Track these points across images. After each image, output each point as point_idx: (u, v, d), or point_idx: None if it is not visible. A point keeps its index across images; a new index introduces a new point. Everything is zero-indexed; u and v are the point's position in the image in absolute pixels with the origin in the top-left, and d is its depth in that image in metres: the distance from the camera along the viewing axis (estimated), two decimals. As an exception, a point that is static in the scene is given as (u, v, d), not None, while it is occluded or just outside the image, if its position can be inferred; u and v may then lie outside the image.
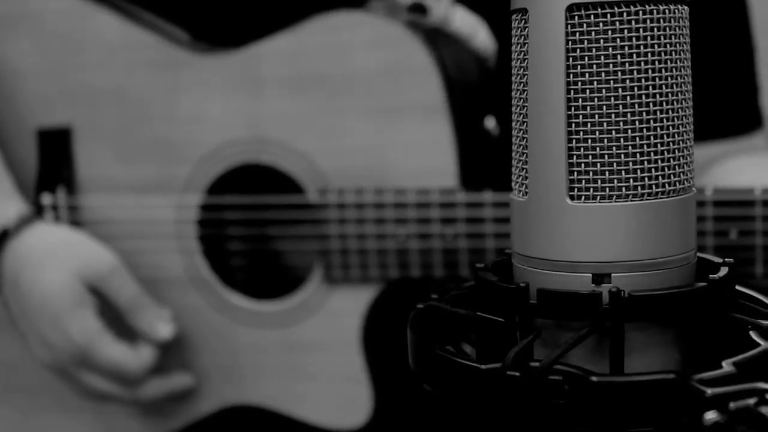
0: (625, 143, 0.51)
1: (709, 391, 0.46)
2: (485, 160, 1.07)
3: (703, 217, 0.94)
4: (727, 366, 0.49)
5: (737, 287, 0.57)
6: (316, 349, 1.11)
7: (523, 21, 0.52)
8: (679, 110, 0.52)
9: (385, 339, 1.10)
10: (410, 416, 1.15)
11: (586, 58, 0.50)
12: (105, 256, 1.09)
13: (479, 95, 1.07)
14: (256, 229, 1.13)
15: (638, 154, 0.51)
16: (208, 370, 1.15)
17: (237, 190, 1.12)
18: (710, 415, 0.45)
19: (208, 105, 1.12)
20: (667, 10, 0.51)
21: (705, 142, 1.15)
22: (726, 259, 0.56)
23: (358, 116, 1.07)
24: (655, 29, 0.50)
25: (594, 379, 0.48)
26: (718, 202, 0.94)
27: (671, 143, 0.51)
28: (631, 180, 0.51)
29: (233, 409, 1.15)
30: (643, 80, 0.50)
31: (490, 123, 1.08)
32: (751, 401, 0.45)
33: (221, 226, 1.13)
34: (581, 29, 0.50)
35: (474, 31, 1.08)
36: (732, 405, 0.45)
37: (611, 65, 0.50)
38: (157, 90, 1.13)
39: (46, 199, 1.14)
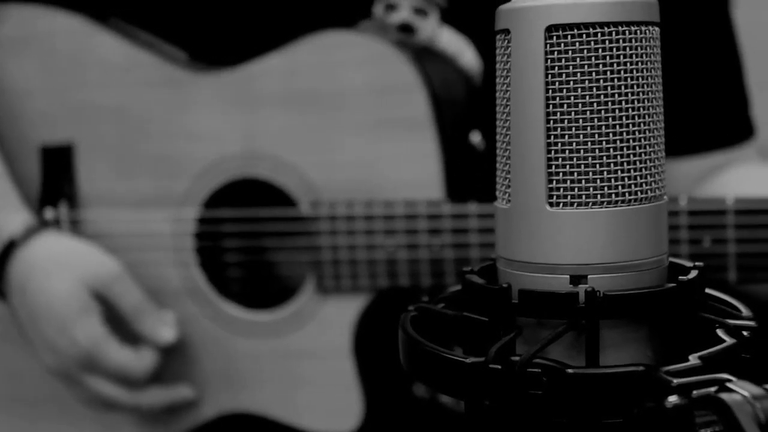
0: (600, 154, 0.54)
1: (675, 381, 0.50)
2: (470, 173, 1.11)
3: (677, 226, 0.98)
4: (693, 359, 0.52)
5: (708, 290, 0.61)
6: (308, 356, 1.15)
7: (506, 40, 0.56)
8: (651, 123, 0.56)
9: (376, 346, 1.14)
10: (399, 421, 1.19)
11: (564, 75, 0.54)
12: (109, 263, 1.13)
13: (465, 111, 1.11)
14: (251, 241, 1.16)
15: (612, 164, 0.55)
16: (204, 378, 1.18)
17: (232, 204, 1.15)
18: (672, 399, 0.49)
19: (205, 121, 1.15)
20: (638, 31, 0.54)
21: (699, 154, 1.19)
22: (696, 263, 0.60)
23: (348, 131, 1.11)
24: (628, 48, 0.54)
25: (569, 371, 0.52)
26: (692, 211, 0.98)
27: (643, 154, 0.55)
28: (606, 188, 0.55)
29: (230, 416, 1.18)
30: (616, 95, 0.54)
31: (476, 138, 1.12)
32: (713, 389, 0.49)
33: (217, 239, 1.17)
34: (559, 48, 0.54)
35: (460, 50, 1.12)
36: (695, 392, 0.49)
37: (587, 81, 0.54)
38: (156, 107, 1.17)
39: (49, 213, 1.18)
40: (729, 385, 0.49)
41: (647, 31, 0.55)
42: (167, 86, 1.16)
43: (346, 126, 1.11)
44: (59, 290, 1.10)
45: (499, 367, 0.53)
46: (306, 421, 1.15)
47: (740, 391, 0.49)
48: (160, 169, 1.17)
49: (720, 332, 0.56)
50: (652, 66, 0.55)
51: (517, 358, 0.53)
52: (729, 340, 0.55)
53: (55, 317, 1.10)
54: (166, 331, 1.14)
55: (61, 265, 1.12)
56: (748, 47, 1.24)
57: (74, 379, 1.13)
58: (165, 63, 1.16)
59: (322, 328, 1.14)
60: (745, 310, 0.59)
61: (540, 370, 0.52)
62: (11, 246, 1.12)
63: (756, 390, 0.49)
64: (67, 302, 1.10)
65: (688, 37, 1.17)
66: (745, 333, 0.56)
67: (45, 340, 1.12)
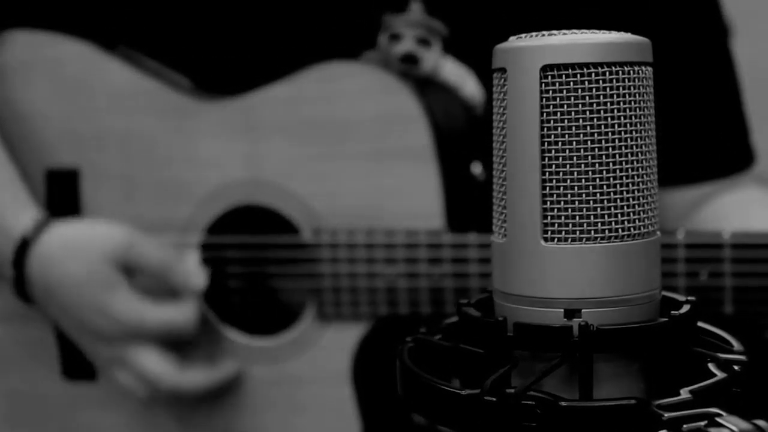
0: (594, 190, 0.56)
1: (666, 415, 0.51)
2: (471, 203, 1.12)
3: (674, 259, 0.99)
4: (684, 393, 0.53)
5: (701, 324, 0.62)
6: (308, 383, 1.16)
7: (502, 79, 0.58)
8: (644, 161, 0.57)
9: (375, 373, 1.15)
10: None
11: (559, 113, 0.55)
12: (119, 230, 1.14)
13: (467, 142, 1.12)
14: (253, 268, 1.17)
15: (606, 201, 0.56)
16: (203, 402, 1.19)
17: (235, 230, 1.17)
18: (662, 433, 0.50)
19: (209, 149, 1.17)
20: (631, 71, 0.56)
21: (697, 184, 1.20)
22: (689, 298, 0.61)
23: (350, 161, 1.12)
24: (621, 88, 0.55)
25: (563, 404, 0.53)
26: (689, 244, 0.99)
27: (636, 191, 0.56)
28: (600, 224, 0.56)
29: (228, 440, 1.19)
30: (610, 134, 0.55)
31: (477, 169, 1.13)
32: (702, 423, 0.50)
33: (220, 265, 1.18)
34: (554, 87, 0.55)
35: (462, 81, 1.13)
36: (685, 427, 0.50)
37: (581, 120, 0.55)
38: (161, 134, 1.18)
39: None
40: (718, 419, 0.50)
41: (640, 71, 0.56)
42: (172, 113, 1.17)
43: (349, 155, 1.12)
44: (81, 274, 1.11)
45: (494, 399, 0.54)
46: (305, 447, 1.16)
47: (729, 426, 0.50)
48: (164, 194, 1.18)
49: (711, 366, 0.57)
50: (645, 105, 0.56)
51: (512, 391, 0.54)
52: (720, 374, 0.56)
53: (87, 299, 1.11)
54: (196, 278, 1.14)
55: (76, 249, 1.13)
56: (748, 79, 1.26)
57: (121, 359, 1.13)
58: (171, 90, 1.18)
59: (322, 355, 1.14)
60: (736, 345, 0.60)
61: (534, 403, 0.53)
62: (24, 246, 1.13)
63: (744, 425, 0.50)
64: (92, 282, 1.11)
65: (689, 68, 1.18)
66: (736, 367, 0.57)
67: (85, 326, 1.13)
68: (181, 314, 1.13)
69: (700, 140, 1.20)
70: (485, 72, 1.16)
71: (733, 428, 0.49)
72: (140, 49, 1.21)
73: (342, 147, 1.12)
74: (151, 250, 1.14)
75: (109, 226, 1.15)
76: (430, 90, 1.11)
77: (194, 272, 1.15)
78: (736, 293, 0.99)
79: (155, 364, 1.13)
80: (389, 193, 1.11)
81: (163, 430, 1.20)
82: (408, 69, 1.11)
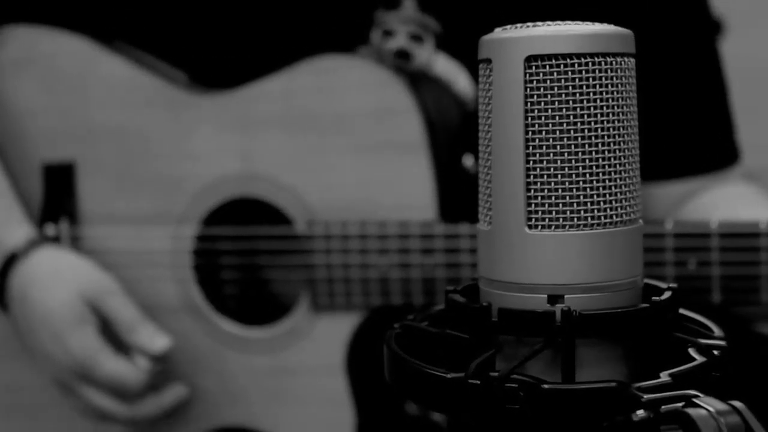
0: (577, 179, 0.57)
1: (645, 396, 0.52)
2: (463, 195, 1.13)
3: (663, 248, 1.00)
4: (664, 376, 0.55)
5: (682, 311, 0.63)
6: (302, 373, 1.17)
7: (488, 69, 0.59)
8: (626, 150, 0.58)
9: (368, 363, 1.16)
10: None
11: (543, 103, 0.56)
12: (106, 277, 1.16)
13: (458, 135, 1.14)
14: (247, 259, 1.18)
15: (589, 189, 0.57)
16: (199, 393, 1.20)
17: (230, 222, 1.18)
18: (640, 413, 0.51)
19: (205, 142, 1.18)
20: (614, 62, 0.57)
21: (683, 179, 1.21)
22: (670, 285, 0.62)
23: (344, 153, 1.13)
24: (604, 78, 0.56)
25: (545, 386, 0.54)
26: (677, 234, 1.01)
27: (618, 179, 0.58)
28: (583, 211, 0.57)
29: (223, 430, 1.20)
30: (593, 123, 0.56)
31: (469, 161, 1.14)
32: (680, 404, 0.51)
33: (215, 256, 1.19)
34: (538, 77, 0.56)
35: (455, 76, 1.14)
36: (663, 408, 0.51)
37: (565, 109, 0.56)
38: (156, 128, 1.19)
39: (50, 229, 1.20)
40: (696, 400, 0.52)
41: (623, 62, 0.57)
42: (168, 107, 1.19)
43: (343, 148, 1.13)
44: (56, 301, 1.13)
45: (478, 382, 0.55)
46: (298, 436, 1.18)
47: (706, 406, 0.51)
48: (159, 187, 1.19)
49: (691, 351, 0.59)
50: (627, 95, 0.58)
51: (495, 374, 0.55)
52: (699, 359, 0.57)
53: (52, 327, 1.13)
54: (160, 340, 1.15)
55: (59, 278, 1.14)
56: (734, 77, 1.27)
57: (70, 389, 1.15)
58: (166, 85, 1.19)
59: (316, 346, 1.16)
60: (717, 330, 0.61)
61: (517, 386, 0.55)
62: (12, 259, 1.15)
63: (721, 406, 0.51)
64: (63, 313, 1.12)
65: (676, 64, 1.20)
66: (715, 352, 0.58)
67: (42, 350, 1.14)
68: (134, 373, 1.14)
69: (686, 136, 1.21)
70: (477, 68, 1.18)
71: (710, 408, 0.51)
72: (136, 43, 1.22)
73: (336, 140, 1.13)
74: (127, 308, 1.15)
75: (100, 270, 1.17)
76: (422, 84, 1.13)
77: (158, 335, 1.16)
78: (724, 282, 1.01)
79: (104, 402, 1.15)
80: (382, 185, 1.12)
81: (161, 422, 1.21)
82: (401, 65, 1.12)
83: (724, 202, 1.17)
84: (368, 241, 1.11)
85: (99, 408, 1.15)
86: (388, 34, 1.12)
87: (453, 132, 1.13)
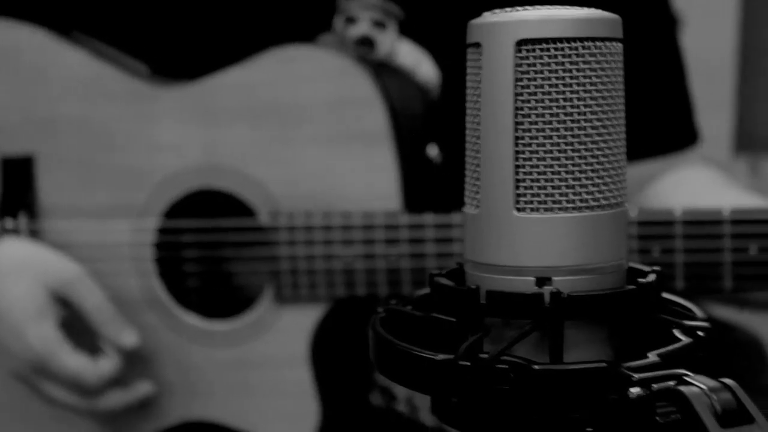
0: (566, 162, 0.57)
1: (636, 375, 0.53)
2: (427, 185, 1.14)
3: (628, 236, 1.01)
4: (652, 356, 0.56)
5: (666, 295, 0.64)
6: (266, 365, 1.17)
7: (477, 53, 0.59)
8: (613, 134, 0.59)
9: (333, 355, 1.16)
10: (355, 430, 1.21)
11: (532, 87, 0.57)
12: (69, 265, 1.15)
13: (422, 125, 1.14)
14: (210, 251, 1.18)
15: (577, 172, 0.57)
16: (163, 387, 1.19)
17: (193, 215, 1.17)
18: (635, 390, 0.52)
19: (166, 134, 1.17)
20: (603, 47, 0.57)
21: (643, 160, 1.23)
22: (654, 267, 0.63)
23: (307, 144, 1.13)
24: (592, 62, 0.57)
25: (536, 367, 0.55)
26: (642, 222, 1.02)
27: (606, 163, 0.58)
28: (571, 194, 0.58)
29: (187, 424, 1.20)
30: (581, 107, 0.57)
31: (433, 151, 1.14)
32: (672, 383, 0.52)
33: (177, 249, 1.18)
34: (528, 61, 0.57)
35: (418, 64, 1.15)
36: (655, 386, 0.52)
37: (554, 93, 0.57)
38: (117, 120, 1.18)
39: (9, 223, 1.19)
40: (687, 378, 0.52)
41: (611, 47, 0.58)
42: (129, 99, 1.18)
43: (306, 139, 1.13)
44: (16, 293, 1.12)
45: (469, 363, 0.56)
46: (262, 429, 1.17)
47: (698, 384, 0.52)
48: (120, 180, 1.18)
49: (676, 332, 0.59)
50: (615, 79, 0.58)
51: (485, 355, 0.56)
52: (685, 339, 0.58)
53: (10, 320, 1.12)
54: (127, 335, 1.15)
55: (20, 269, 1.13)
56: (694, 69, 1.29)
57: (30, 381, 1.14)
58: (127, 76, 1.18)
59: (280, 337, 1.16)
60: (699, 312, 0.62)
61: (507, 367, 0.55)
62: None
63: (712, 383, 0.52)
64: (23, 306, 1.11)
65: (636, 51, 1.21)
66: (700, 333, 0.59)
67: (0, 343, 1.13)
68: (94, 368, 1.13)
69: (645, 117, 1.23)
70: (441, 54, 1.18)
71: (702, 386, 0.51)
72: (96, 35, 1.21)
73: (299, 130, 1.13)
74: (94, 295, 1.15)
75: (65, 259, 1.16)
76: (386, 73, 1.13)
77: (128, 330, 1.15)
78: (687, 269, 1.02)
79: (64, 395, 1.14)
80: (346, 176, 1.12)
81: (126, 416, 1.20)
82: (364, 52, 1.13)
83: (685, 186, 1.19)
84: (332, 232, 1.11)
85: (59, 401, 1.14)
86: (350, 20, 1.12)
87: (417, 121, 1.14)
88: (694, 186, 1.20)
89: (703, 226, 1.01)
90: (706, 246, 1.01)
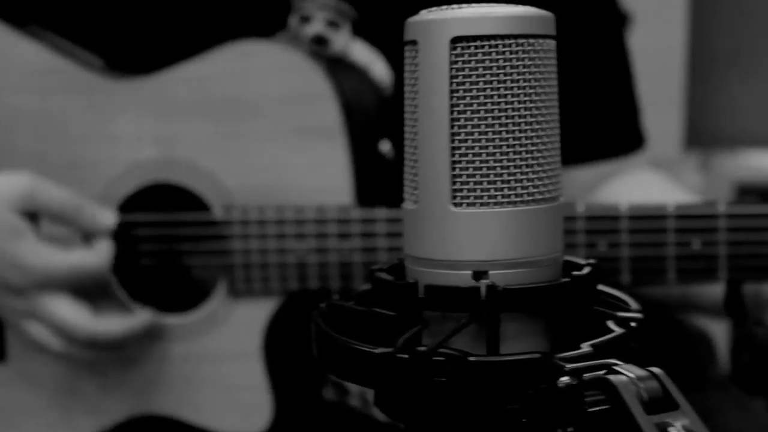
0: (501, 157, 0.58)
1: (568, 366, 0.54)
2: (380, 180, 1.15)
3: (574, 231, 1.03)
4: (585, 347, 0.57)
5: (602, 287, 0.66)
6: (220, 359, 1.17)
7: (414, 51, 0.60)
8: (547, 129, 0.60)
9: (286, 348, 1.17)
10: (308, 424, 1.22)
11: (467, 83, 0.58)
12: (21, 177, 1.12)
13: (375, 120, 1.15)
14: (164, 245, 1.18)
15: (512, 167, 0.59)
16: (115, 381, 1.20)
17: (147, 208, 1.18)
18: (564, 380, 0.53)
19: (121, 127, 1.17)
20: (536, 44, 0.59)
21: (589, 163, 1.24)
22: (589, 260, 0.64)
23: (261, 138, 1.14)
24: (527, 59, 0.58)
25: (471, 359, 0.56)
26: (588, 216, 1.04)
27: (540, 158, 0.59)
28: (506, 189, 0.59)
29: (140, 418, 1.20)
30: (515, 103, 0.58)
31: (385, 146, 1.16)
32: (602, 372, 0.53)
33: (131, 243, 1.19)
34: (462, 58, 0.58)
35: (371, 62, 1.16)
36: (586, 375, 0.53)
37: (488, 90, 0.58)
38: (72, 113, 1.18)
39: None
40: (616, 368, 0.54)
41: (545, 44, 0.59)
42: (84, 92, 1.18)
43: (260, 133, 1.14)
44: None
45: (406, 356, 0.57)
46: (215, 423, 1.18)
47: (626, 373, 0.53)
48: (75, 173, 1.18)
49: (610, 324, 0.61)
50: (548, 76, 0.59)
51: (423, 348, 0.57)
52: (618, 330, 0.59)
53: None
54: (106, 216, 1.14)
55: None
56: (641, 68, 1.31)
57: (35, 312, 1.12)
58: (82, 70, 1.18)
59: (234, 331, 1.16)
60: (633, 304, 0.64)
61: (444, 359, 0.56)
62: None
63: (640, 372, 0.53)
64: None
65: (583, 53, 1.23)
66: (632, 324, 0.60)
67: None
68: (92, 256, 1.12)
69: (591, 121, 1.25)
70: (393, 55, 1.19)
71: (630, 375, 0.53)
72: (51, 28, 1.21)
73: (253, 124, 1.14)
74: (57, 194, 1.12)
75: (9, 175, 1.13)
76: (339, 69, 1.14)
77: (102, 211, 1.14)
78: (633, 263, 1.04)
79: (68, 311, 1.11)
80: (299, 170, 1.13)
81: (78, 410, 1.20)
82: (318, 50, 1.13)
83: (634, 190, 1.20)
84: (285, 226, 1.12)
85: (63, 322, 1.11)
86: (305, 19, 1.13)
87: (370, 117, 1.14)
88: (642, 189, 1.21)
89: (648, 221, 1.03)
90: (651, 240, 1.03)
